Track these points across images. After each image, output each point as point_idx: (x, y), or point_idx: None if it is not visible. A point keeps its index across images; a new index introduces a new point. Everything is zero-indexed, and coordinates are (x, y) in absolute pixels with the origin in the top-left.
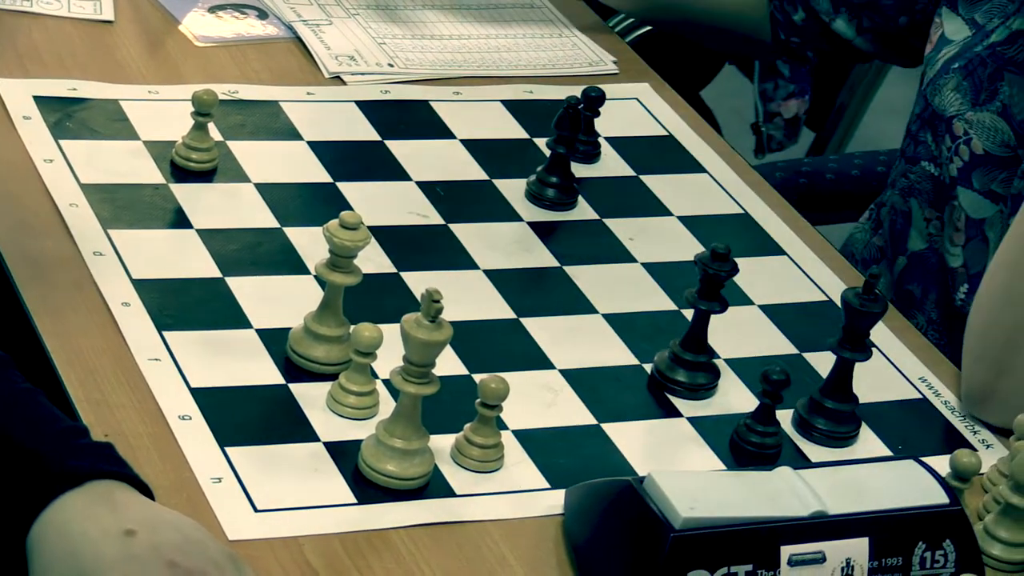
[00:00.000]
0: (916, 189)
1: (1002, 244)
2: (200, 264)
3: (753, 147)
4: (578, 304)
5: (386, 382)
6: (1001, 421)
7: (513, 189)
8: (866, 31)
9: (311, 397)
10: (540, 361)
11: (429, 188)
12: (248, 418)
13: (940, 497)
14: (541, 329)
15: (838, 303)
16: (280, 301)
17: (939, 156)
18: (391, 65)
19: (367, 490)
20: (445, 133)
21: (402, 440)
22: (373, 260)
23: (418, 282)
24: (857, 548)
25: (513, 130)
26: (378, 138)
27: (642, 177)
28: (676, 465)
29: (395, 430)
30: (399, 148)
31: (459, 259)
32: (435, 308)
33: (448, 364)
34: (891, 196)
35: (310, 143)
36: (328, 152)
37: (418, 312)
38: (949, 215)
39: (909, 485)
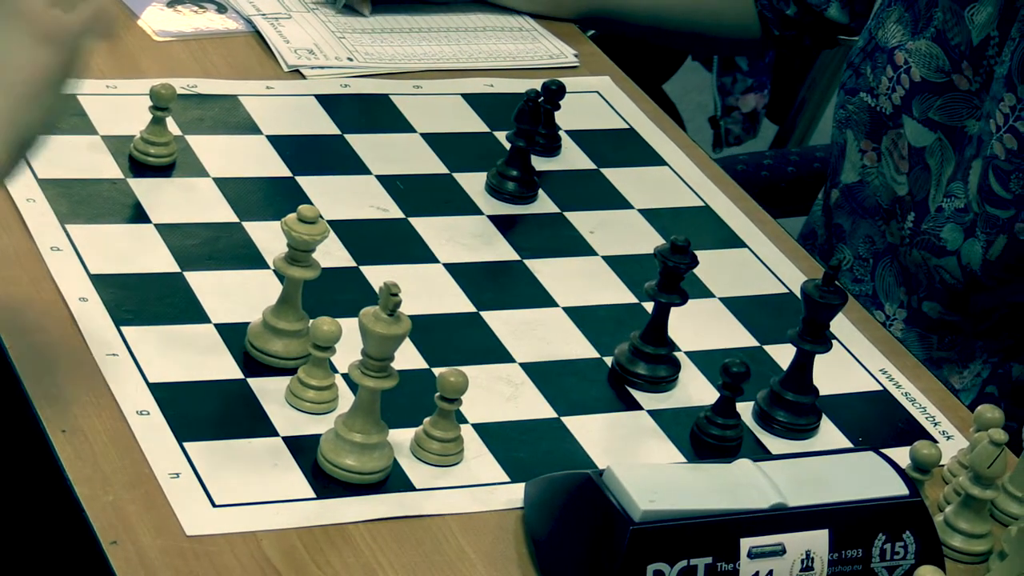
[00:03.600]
0: (853, 120)
1: None
2: (158, 259)
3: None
4: (538, 297)
5: (345, 376)
6: None
7: (473, 182)
8: (859, 16)
9: (270, 392)
10: (500, 354)
11: (389, 182)
12: (206, 413)
13: (900, 488)
14: (501, 322)
15: (798, 295)
16: (238, 295)
17: (876, 87)
18: (351, 59)
19: (326, 485)
20: (405, 127)
21: (361, 434)
22: (332, 254)
23: (377, 276)
24: (817, 540)
25: (473, 123)
26: (338, 132)
27: (602, 170)
28: (636, 458)
29: (354, 424)
30: (359, 142)
31: (419, 253)
32: (393, 302)
33: (407, 358)
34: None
35: (269, 137)
36: (287, 146)
37: (376, 305)
38: (892, 144)
39: (869, 477)
